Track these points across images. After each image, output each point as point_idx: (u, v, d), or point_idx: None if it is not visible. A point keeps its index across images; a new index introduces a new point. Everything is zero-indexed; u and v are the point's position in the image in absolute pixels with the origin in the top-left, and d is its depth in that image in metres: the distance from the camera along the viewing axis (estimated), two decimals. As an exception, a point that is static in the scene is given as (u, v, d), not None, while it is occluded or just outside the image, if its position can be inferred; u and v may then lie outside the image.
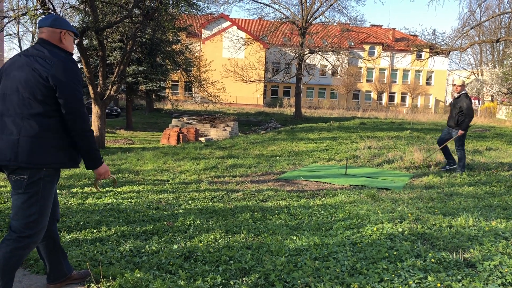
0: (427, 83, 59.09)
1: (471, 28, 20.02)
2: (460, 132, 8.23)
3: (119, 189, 6.59)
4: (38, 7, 12.23)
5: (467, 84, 46.56)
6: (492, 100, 43.78)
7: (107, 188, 6.59)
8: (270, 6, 31.60)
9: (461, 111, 8.22)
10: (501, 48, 45.39)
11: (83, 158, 2.81)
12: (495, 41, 18.82)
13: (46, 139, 2.65)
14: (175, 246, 3.91)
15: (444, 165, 8.72)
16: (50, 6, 12.71)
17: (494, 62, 43.61)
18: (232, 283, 3.18)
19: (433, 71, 54.50)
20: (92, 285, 3.10)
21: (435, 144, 12.28)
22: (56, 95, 2.64)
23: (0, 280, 2.64)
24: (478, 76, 46.87)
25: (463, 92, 8.34)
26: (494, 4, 33.09)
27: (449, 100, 64.47)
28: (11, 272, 2.68)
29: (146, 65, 24.97)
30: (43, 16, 12.00)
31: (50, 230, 2.93)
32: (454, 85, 8.50)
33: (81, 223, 4.61)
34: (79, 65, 30.06)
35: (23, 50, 2.83)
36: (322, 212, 5.34)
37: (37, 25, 2.86)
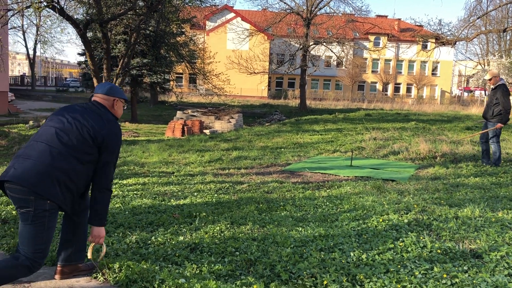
0: (433, 74, 58.68)
1: (478, 18, 19.79)
2: (499, 125, 7.90)
3: (124, 182, 6.61)
4: (42, 0, 12.21)
5: (472, 74, 46.26)
6: (498, 91, 43.36)
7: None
8: (274, -3, 31.42)
9: (497, 102, 7.96)
10: (508, 38, 44.97)
11: (92, 213, 2.98)
12: (502, 30, 18.64)
13: (70, 180, 2.82)
14: (181, 238, 3.93)
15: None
16: (54, -1, 12.69)
17: (501, 52, 43.21)
18: (238, 274, 3.19)
19: (439, 62, 54.09)
20: (99, 276, 3.12)
21: (441, 135, 12.23)
22: (97, 151, 2.91)
23: None
24: (484, 66, 46.47)
25: (500, 83, 8.04)
26: (501, -7, 32.70)
27: (455, 90, 64.10)
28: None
29: (151, 58, 24.92)
30: (44, 4, 11.97)
31: (82, 219, 3.12)
32: (490, 80, 8.18)
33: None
34: (83, 58, 30.10)
35: (80, 103, 3.13)
36: (328, 203, 5.34)
37: (95, 91, 3.16)
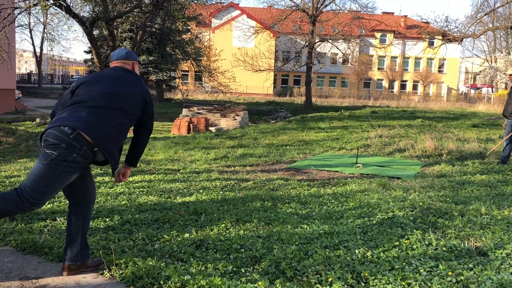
0: (439, 71, 58.35)
1: (485, 14, 19.66)
2: None
3: (130, 179, 6.65)
4: (48, -2, 12.27)
5: (479, 71, 45.94)
6: (506, 88, 43.14)
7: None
8: (280, -6, 31.31)
9: None
10: (515, 34, 44.58)
11: (133, 154, 3.30)
12: (510, 27, 18.50)
13: (117, 134, 3.03)
14: (187, 235, 3.95)
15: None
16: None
17: (508, 49, 42.90)
18: (243, 271, 3.21)
19: (445, 59, 53.75)
20: (105, 272, 3.15)
21: (447, 133, 12.17)
22: (142, 108, 3.19)
23: None
24: (491, 63, 46.14)
25: None
26: (508, -10, 32.43)
27: (462, 88, 63.69)
28: None
29: (156, 55, 25.02)
30: (51, 2, 12.04)
31: (83, 211, 3.14)
32: (510, 75, 8.05)
33: (94, 212, 4.66)
34: (89, 55, 30.19)
35: (104, 69, 3.32)
36: (333, 201, 5.34)
37: (112, 57, 3.38)
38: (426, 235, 3.87)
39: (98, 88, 3.08)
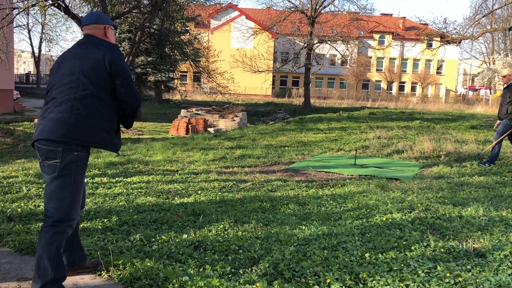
0: (437, 73, 58.44)
1: (483, 16, 19.70)
2: None
3: (129, 180, 6.64)
4: (47, -2, 12.26)
5: (477, 73, 46.04)
6: (503, 90, 43.21)
7: (116, 178, 6.64)
8: (279, -5, 31.36)
9: (510, 101, 7.85)
10: (513, 36, 44.68)
11: (128, 120, 3.05)
12: (508, 29, 18.54)
13: (95, 119, 2.83)
14: (185, 236, 3.94)
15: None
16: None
17: (506, 51, 42.99)
18: (241, 272, 3.20)
19: (443, 60, 53.87)
20: (103, 273, 3.14)
21: (446, 134, 12.19)
22: (110, 78, 2.86)
23: (49, 266, 2.71)
24: (490, 65, 46.24)
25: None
26: (506, -8, 32.53)
27: (461, 89, 63.81)
28: (57, 258, 2.76)
29: (155, 56, 25.00)
30: (49, 3, 12.03)
31: (80, 212, 3.05)
32: (504, 77, 8.07)
33: (92, 212, 4.66)
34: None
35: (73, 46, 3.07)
36: (331, 202, 5.34)
37: (82, 23, 3.08)
38: (424, 237, 3.87)
39: (57, 77, 2.90)
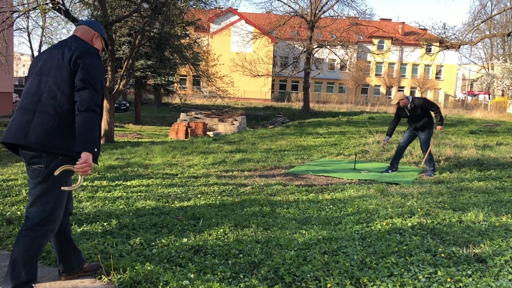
0: (436, 78, 58.56)
1: (482, 22, 19.76)
2: None
3: (128, 183, 6.63)
4: (47, 2, 12.28)
5: (476, 78, 46.14)
6: (502, 95, 43.31)
7: (116, 182, 6.63)
8: (278, 0, 31.52)
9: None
10: (512, 42, 44.81)
11: (77, 138, 2.67)
12: (506, 34, 18.59)
13: (63, 126, 2.72)
14: (185, 240, 3.94)
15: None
16: (60, 1, 12.75)
17: (505, 56, 43.12)
18: (241, 276, 3.20)
19: (442, 65, 53.98)
20: (103, 277, 3.13)
21: (445, 139, 12.20)
22: (70, 77, 2.72)
23: (23, 269, 2.71)
24: (488, 70, 46.37)
25: None
26: (505, -3, 32.72)
27: (459, 94, 63.89)
28: (32, 261, 2.76)
29: (155, 60, 24.99)
30: (50, 6, 12.04)
31: (62, 223, 2.99)
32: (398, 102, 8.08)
33: (91, 216, 4.65)
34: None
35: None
36: (331, 206, 5.34)
37: (76, 24, 3.05)
38: (425, 241, 3.87)
39: (28, 81, 2.83)
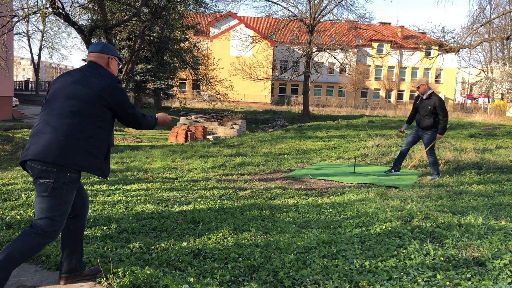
0: (436, 81, 58.64)
1: (481, 26, 19.81)
2: None
3: (128, 187, 6.63)
4: (47, 6, 12.32)
5: (476, 82, 46.22)
6: (502, 98, 43.39)
7: (116, 186, 6.63)
8: (278, 4, 31.57)
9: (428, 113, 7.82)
10: (511, 45, 44.93)
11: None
12: (505, 38, 18.64)
13: (85, 143, 2.87)
14: (184, 244, 3.94)
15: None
16: (59, 5, 12.79)
17: (504, 60, 43.21)
18: (241, 280, 3.20)
19: (442, 69, 54.06)
20: (103, 281, 3.13)
21: (444, 142, 12.21)
22: (107, 107, 2.96)
23: (8, 264, 2.75)
24: (488, 74, 46.46)
25: None
26: (504, 1, 32.83)
27: (459, 98, 63.97)
28: (16, 264, 2.80)
29: (154, 64, 25.07)
30: (50, 10, 12.08)
31: (81, 221, 3.12)
32: (419, 87, 8.09)
33: (91, 220, 4.65)
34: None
35: (75, 68, 3.22)
36: (331, 210, 5.34)
37: (88, 50, 3.20)
38: (424, 245, 3.87)
39: (54, 98, 2.95)
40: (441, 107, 7.69)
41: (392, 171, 8.13)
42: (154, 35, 18.01)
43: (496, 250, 3.74)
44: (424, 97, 7.79)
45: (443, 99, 7.89)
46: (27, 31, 46.69)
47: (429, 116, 7.76)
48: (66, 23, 13.55)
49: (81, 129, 2.85)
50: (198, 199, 5.93)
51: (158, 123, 3.35)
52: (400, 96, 59.25)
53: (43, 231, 2.82)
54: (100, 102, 2.92)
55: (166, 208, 5.41)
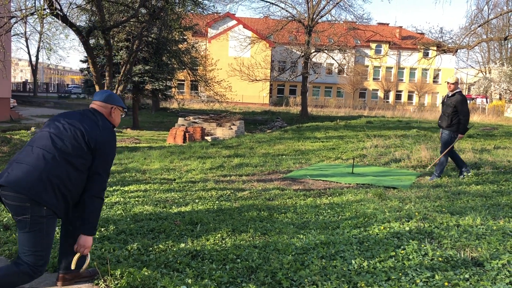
0: (434, 81, 58.75)
1: (479, 26, 19.84)
2: None
3: (126, 188, 6.62)
4: (45, 7, 12.30)
5: (474, 82, 46.31)
6: (500, 98, 43.48)
7: (114, 187, 6.62)
8: (276, 5, 31.56)
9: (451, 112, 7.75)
10: (509, 46, 45.07)
11: (83, 220, 2.91)
12: (503, 38, 18.65)
13: (65, 187, 2.79)
14: (182, 245, 3.93)
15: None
16: (57, 6, 12.77)
17: (502, 60, 43.28)
18: (239, 281, 3.19)
19: (440, 69, 54.18)
20: (100, 283, 3.12)
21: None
22: (91, 155, 2.88)
23: None
24: (486, 74, 46.55)
25: None
26: (502, 2, 32.92)
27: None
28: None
29: (153, 64, 25.05)
30: (47, 12, 12.05)
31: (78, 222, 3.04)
32: (452, 84, 8.07)
33: (89, 221, 4.63)
34: (85, 65, 30.27)
35: (78, 110, 3.17)
36: (329, 211, 5.34)
37: (93, 98, 3.19)
38: (422, 245, 3.87)
39: (48, 134, 2.90)
40: (461, 106, 7.60)
41: (464, 173, 7.84)
42: (152, 36, 18.01)
43: (494, 250, 3.74)
44: (450, 94, 7.78)
45: (466, 98, 7.76)
46: (25, 32, 46.74)
47: (449, 114, 7.71)
48: (64, 24, 13.52)
49: (58, 167, 2.77)
50: (196, 200, 5.92)
51: (92, 233, 2.97)
52: (398, 96, 59.32)
53: (31, 269, 2.76)
54: (85, 147, 2.87)
55: (164, 209, 5.40)
